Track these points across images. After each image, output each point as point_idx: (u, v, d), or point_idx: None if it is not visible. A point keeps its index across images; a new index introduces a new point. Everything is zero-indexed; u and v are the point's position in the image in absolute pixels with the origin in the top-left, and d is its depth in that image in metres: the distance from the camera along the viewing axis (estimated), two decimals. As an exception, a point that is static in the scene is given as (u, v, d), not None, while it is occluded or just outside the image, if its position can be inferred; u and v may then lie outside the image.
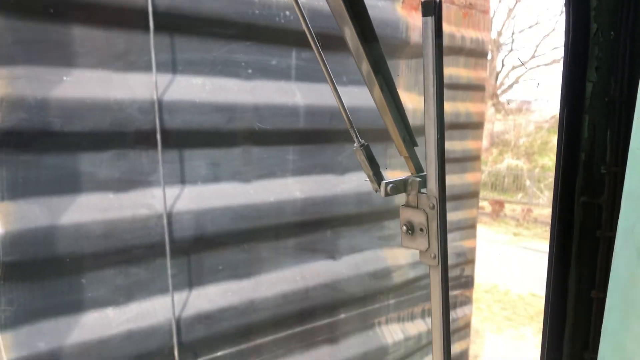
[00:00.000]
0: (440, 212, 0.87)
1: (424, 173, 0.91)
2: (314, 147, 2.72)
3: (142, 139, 2.15)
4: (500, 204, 20.72)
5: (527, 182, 25.02)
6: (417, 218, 0.90)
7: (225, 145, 2.40)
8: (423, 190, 0.90)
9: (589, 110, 0.93)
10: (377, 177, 0.94)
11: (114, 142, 2.09)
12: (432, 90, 0.84)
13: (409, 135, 0.94)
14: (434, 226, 0.88)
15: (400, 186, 0.92)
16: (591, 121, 0.94)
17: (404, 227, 0.92)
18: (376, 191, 0.93)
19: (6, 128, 1.82)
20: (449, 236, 3.05)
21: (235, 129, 2.40)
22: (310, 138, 2.69)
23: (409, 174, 0.96)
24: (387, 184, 0.92)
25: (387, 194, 0.92)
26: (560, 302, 1.01)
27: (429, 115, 0.85)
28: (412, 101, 3.09)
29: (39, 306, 1.97)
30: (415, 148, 0.97)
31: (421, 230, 0.90)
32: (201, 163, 2.34)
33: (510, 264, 14.37)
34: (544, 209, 22.11)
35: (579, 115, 0.93)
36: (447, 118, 3.37)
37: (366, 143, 0.95)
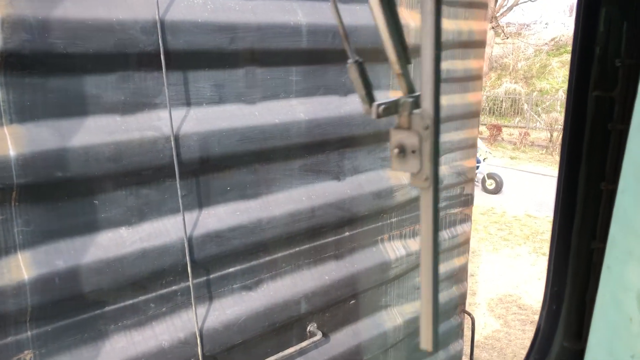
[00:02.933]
0: (434, 132, 0.83)
1: (417, 93, 0.87)
2: (316, 68, 2.71)
3: (146, 61, 2.14)
4: (497, 129, 20.78)
5: (525, 106, 24.94)
6: (410, 140, 0.85)
7: (229, 66, 2.38)
8: (416, 111, 0.86)
9: (605, 2, 0.93)
10: (369, 97, 0.89)
11: (118, 64, 2.08)
12: (429, 4, 0.79)
13: (404, 52, 0.89)
14: (427, 147, 0.84)
15: (392, 107, 0.87)
16: (608, 14, 0.93)
17: (396, 150, 0.87)
18: (367, 113, 0.88)
19: (9, 49, 1.80)
20: (450, 156, 3.09)
21: (238, 50, 2.38)
22: (312, 58, 2.67)
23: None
24: (379, 105, 0.86)
25: (378, 116, 0.87)
26: (571, 195, 1.04)
27: (426, 31, 0.80)
28: (415, 20, 3.04)
29: (54, 227, 2.03)
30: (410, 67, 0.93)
31: (413, 152, 0.85)
32: (205, 85, 2.33)
33: (507, 187, 14.57)
34: (541, 133, 22.20)
35: (595, 8, 0.92)
36: (449, 36, 3.34)
37: (360, 60, 0.89)
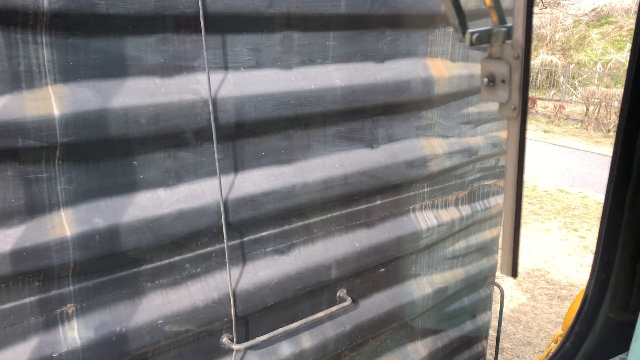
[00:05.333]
0: (524, 62, 0.84)
1: (509, 24, 0.88)
2: (353, 34, 2.68)
3: (185, 24, 2.14)
4: (532, 101, 20.33)
5: (561, 79, 24.29)
6: (500, 69, 0.87)
7: (267, 30, 2.37)
8: (507, 41, 0.87)
9: None
10: (462, 26, 0.91)
11: (158, 26, 2.09)
12: None
13: None
14: (517, 77, 0.85)
15: (485, 36, 0.89)
16: None
17: (485, 79, 0.89)
18: (460, 41, 0.91)
19: (54, 10, 1.82)
20: (486, 126, 3.04)
21: (276, 14, 2.36)
22: (350, 24, 2.64)
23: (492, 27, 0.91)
24: (472, 33, 0.88)
25: (471, 44, 0.89)
26: (627, 162, 1.02)
27: None
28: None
29: (95, 186, 2.08)
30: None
31: (503, 81, 0.87)
32: (243, 49, 2.33)
33: (540, 161, 14.33)
34: (577, 106, 21.65)
35: None
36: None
37: None
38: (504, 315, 6.66)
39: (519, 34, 0.83)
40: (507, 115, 0.87)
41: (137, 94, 2.09)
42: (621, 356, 1.32)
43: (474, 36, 0.88)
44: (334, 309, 2.86)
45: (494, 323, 4.35)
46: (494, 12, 0.90)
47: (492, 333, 4.47)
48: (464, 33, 0.90)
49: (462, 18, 0.91)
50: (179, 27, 2.14)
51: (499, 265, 3.62)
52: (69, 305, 2.08)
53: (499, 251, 4.09)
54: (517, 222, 0.93)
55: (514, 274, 0.94)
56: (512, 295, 7.40)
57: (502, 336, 6.26)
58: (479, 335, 4.07)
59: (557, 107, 20.10)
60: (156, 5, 2.04)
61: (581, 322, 1.55)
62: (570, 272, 8.06)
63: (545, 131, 18.47)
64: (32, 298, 1.99)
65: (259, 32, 2.35)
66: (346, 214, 2.88)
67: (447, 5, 0.90)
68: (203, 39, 2.17)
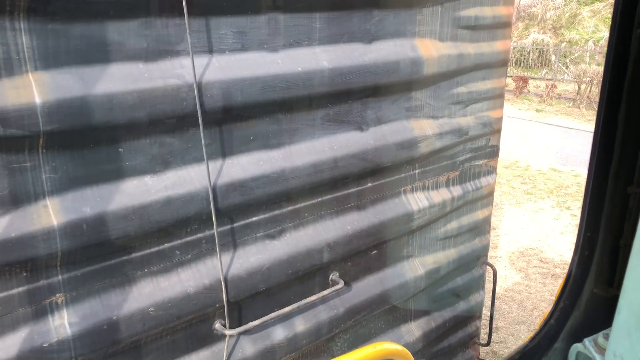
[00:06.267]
0: None
1: None
2: (340, 14, 2.64)
3: (168, 6, 2.10)
4: (524, 80, 20.31)
5: (553, 58, 24.25)
6: None
7: (251, 12, 2.34)
8: None
9: None
10: None
11: (140, 9, 2.05)
12: None
13: None
14: None
15: None
16: None
17: None
18: None
19: (32, -5, 1.78)
20: (477, 106, 3.02)
21: (261, -5, 2.33)
22: (336, 4, 2.60)
23: None
24: None
25: None
26: (608, 137, 1.00)
27: None
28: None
29: (81, 174, 2.05)
30: None
31: None
32: (228, 32, 2.30)
33: (532, 141, 14.36)
34: (569, 85, 21.64)
35: None
36: (479, -19, 3.20)
37: None
38: (498, 295, 6.70)
39: None
40: None
41: (120, 79, 2.05)
42: (605, 331, 1.33)
43: None
44: (326, 292, 2.86)
45: (488, 303, 4.37)
46: None
47: (486, 312, 4.49)
48: None
49: None
50: (161, 10, 2.10)
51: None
52: (58, 295, 2.06)
53: (491, 232, 4.08)
54: None
55: None
56: (506, 274, 7.44)
57: (496, 315, 6.31)
58: (473, 315, 4.09)
59: (549, 86, 20.08)
60: (137, -12, 2.00)
61: (565, 298, 1.55)
62: (563, 251, 8.10)
63: (537, 110, 18.46)
64: (20, 289, 1.97)
65: (243, 14, 2.31)
66: (337, 197, 2.87)
67: None
68: (186, 22, 2.13)
